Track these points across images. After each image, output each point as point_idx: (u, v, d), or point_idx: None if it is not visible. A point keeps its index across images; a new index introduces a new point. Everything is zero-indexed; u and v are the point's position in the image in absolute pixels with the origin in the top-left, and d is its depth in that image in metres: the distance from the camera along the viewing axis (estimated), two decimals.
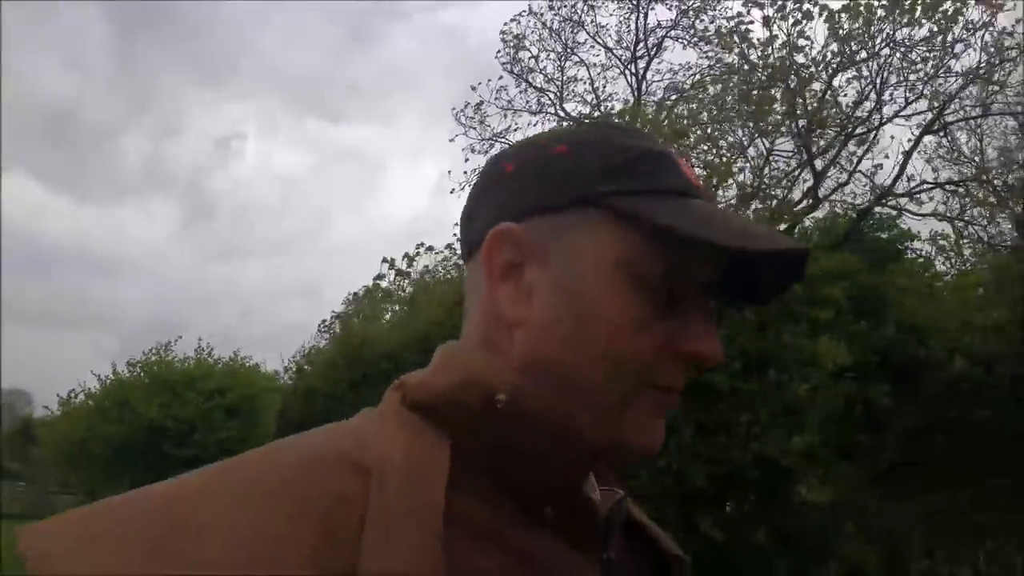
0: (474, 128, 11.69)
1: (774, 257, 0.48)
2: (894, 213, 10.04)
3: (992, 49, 8.95)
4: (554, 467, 0.47)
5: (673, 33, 11.87)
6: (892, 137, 10.00)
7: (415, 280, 10.15)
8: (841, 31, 8.86)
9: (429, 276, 10.13)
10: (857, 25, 8.91)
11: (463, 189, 11.44)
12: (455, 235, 11.08)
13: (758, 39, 9.36)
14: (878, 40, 8.87)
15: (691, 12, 11.34)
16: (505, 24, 11.89)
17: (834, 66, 9.07)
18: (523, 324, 0.48)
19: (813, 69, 9.09)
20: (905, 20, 8.77)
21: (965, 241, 9.19)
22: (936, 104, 9.31)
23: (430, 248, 10.05)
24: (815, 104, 9.09)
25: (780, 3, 9.05)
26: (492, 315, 0.49)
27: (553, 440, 0.46)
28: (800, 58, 9.06)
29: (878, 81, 9.04)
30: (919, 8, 8.68)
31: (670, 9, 11.55)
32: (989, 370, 4.87)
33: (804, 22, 8.97)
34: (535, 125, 12.01)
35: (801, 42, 9.07)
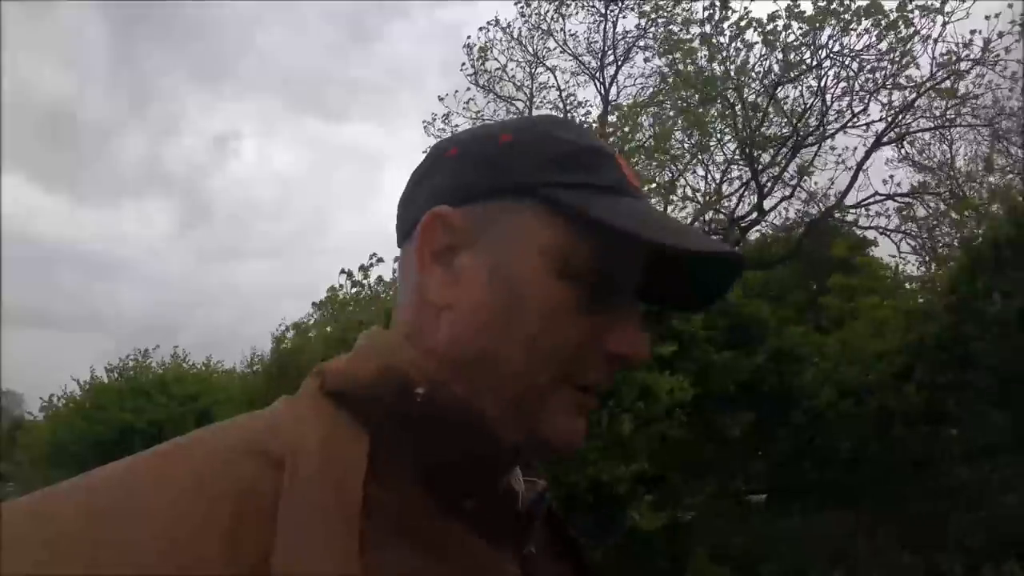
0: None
1: (702, 259, 0.49)
2: (848, 223, 10.01)
3: (951, 58, 8.86)
4: (473, 460, 0.46)
5: (642, 42, 11.91)
6: (853, 150, 9.84)
7: (371, 289, 10.46)
8: (778, 44, 8.87)
9: (382, 286, 10.44)
10: (793, 37, 8.92)
11: None
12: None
13: (702, 54, 9.43)
14: (820, 52, 8.87)
15: (658, 22, 11.38)
16: (469, 37, 12.08)
17: (774, 79, 9.08)
18: (451, 307, 0.47)
19: (753, 81, 9.15)
20: (841, 26, 8.74)
21: (903, 256, 9.13)
22: (889, 115, 9.26)
23: (380, 260, 10.37)
24: (756, 117, 9.11)
25: (715, 22, 9.11)
26: (421, 298, 0.49)
27: (471, 434, 0.46)
28: (740, 71, 9.11)
29: (826, 92, 9.03)
30: (861, 18, 8.64)
31: (640, 17, 11.60)
32: (859, 401, 4.91)
33: (740, 37, 9.01)
34: None
35: (741, 57, 9.13)
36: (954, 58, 8.87)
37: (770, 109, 9.08)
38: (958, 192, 9.38)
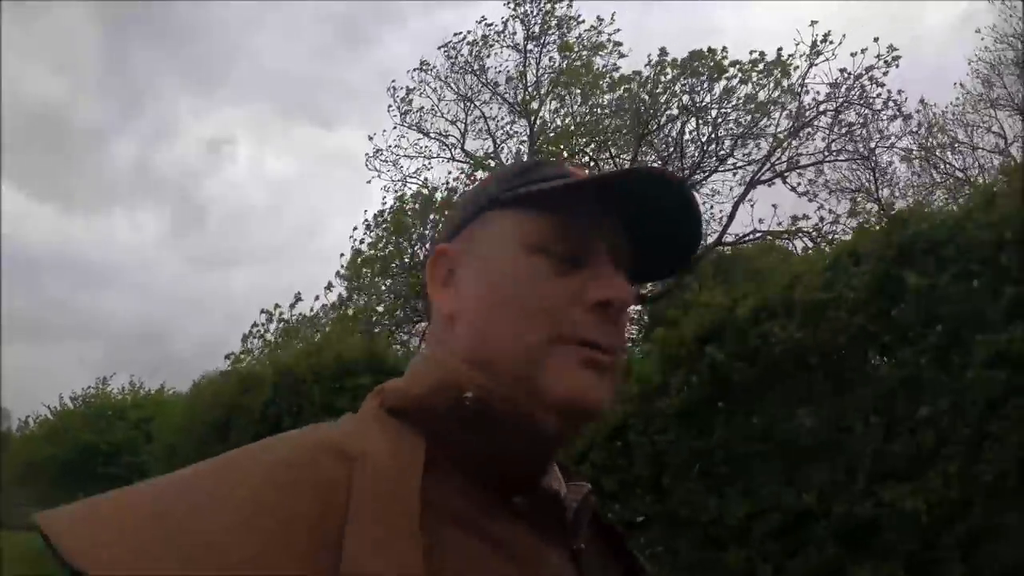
0: (385, 171, 12.52)
1: (653, 206, 0.55)
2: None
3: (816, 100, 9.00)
4: (518, 456, 0.51)
5: (562, 80, 12.24)
6: (730, 189, 10.07)
7: (290, 326, 11.22)
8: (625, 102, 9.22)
9: (304, 323, 11.20)
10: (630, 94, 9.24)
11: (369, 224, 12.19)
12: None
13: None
14: (673, 104, 9.15)
15: (569, 62, 11.72)
16: (393, 81, 12.59)
17: (639, 130, 9.41)
18: (457, 313, 0.56)
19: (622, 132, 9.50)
20: (697, 79, 9.01)
21: None
22: (765, 154, 9.45)
23: (301, 299, 11.15)
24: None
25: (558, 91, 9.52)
26: (439, 319, 0.57)
27: (515, 429, 0.51)
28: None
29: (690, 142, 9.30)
30: (726, 74, 8.90)
31: (557, 58, 11.95)
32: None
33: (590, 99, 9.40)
34: (445, 162, 12.70)
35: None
36: (821, 97, 9.03)
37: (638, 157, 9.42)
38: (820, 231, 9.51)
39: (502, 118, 12.72)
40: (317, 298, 11.65)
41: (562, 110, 11.42)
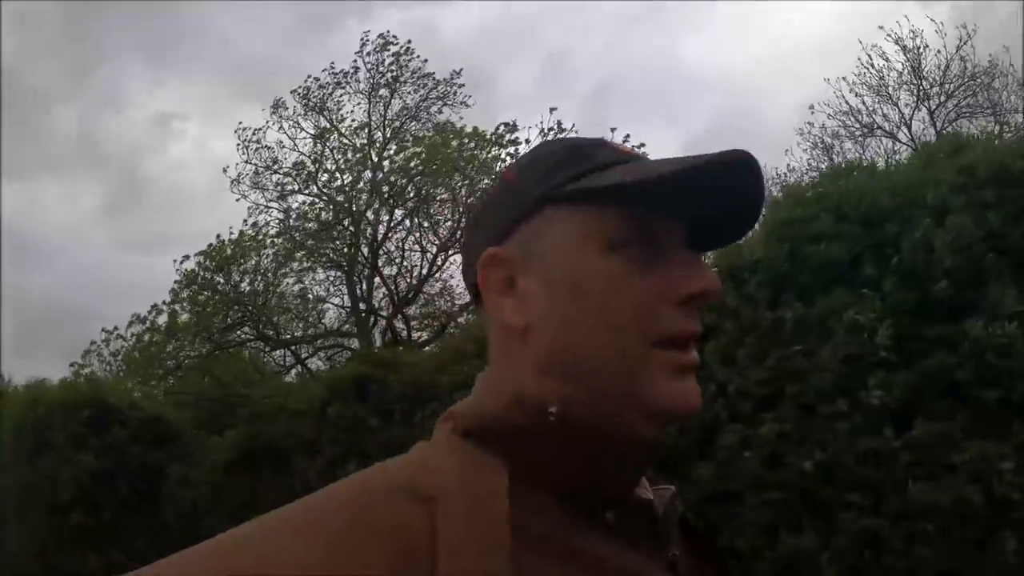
0: (251, 194, 13.37)
1: (716, 174, 0.50)
2: None
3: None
4: (609, 469, 0.49)
5: (409, 126, 13.20)
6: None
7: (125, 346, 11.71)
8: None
9: (141, 344, 11.47)
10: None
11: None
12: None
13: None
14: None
15: (422, 108, 12.75)
16: (240, 122, 13.18)
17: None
18: (529, 326, 0.51)
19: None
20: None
21: None
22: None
23: (139, 319, 12.31)
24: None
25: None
26: (504, 332, 0.53)
27: (604, 439, 0.48)
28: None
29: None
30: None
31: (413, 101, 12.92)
32: None
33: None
34: (306, 195, 13.74)
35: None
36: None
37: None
38: None
39: (351, 157, 13.34)
40: (130, 324, 11.89)
41: (402, 154, 12.61)
